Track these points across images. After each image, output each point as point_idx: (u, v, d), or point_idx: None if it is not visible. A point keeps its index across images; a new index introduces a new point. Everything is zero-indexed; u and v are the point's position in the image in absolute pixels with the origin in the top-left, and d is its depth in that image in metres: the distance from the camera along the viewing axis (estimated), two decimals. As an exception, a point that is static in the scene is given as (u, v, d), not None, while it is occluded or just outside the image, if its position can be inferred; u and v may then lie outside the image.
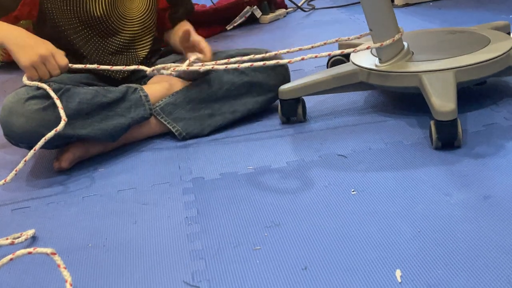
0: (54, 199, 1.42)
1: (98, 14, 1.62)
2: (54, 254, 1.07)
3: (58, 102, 1.46)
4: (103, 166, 1.55)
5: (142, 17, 1.70)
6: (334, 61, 1.89)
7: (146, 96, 1.61)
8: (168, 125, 1.62)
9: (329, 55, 1.58)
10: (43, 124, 1.45)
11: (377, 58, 1.56)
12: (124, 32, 1.68)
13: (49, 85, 1.48)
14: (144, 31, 1.72)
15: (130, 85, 1.62)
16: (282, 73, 1.69)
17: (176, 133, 1.62)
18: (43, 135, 1.43)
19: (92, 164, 1.57)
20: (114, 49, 1.67)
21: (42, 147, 1.45)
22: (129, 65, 1.65)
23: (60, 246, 1.21)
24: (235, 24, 2.75)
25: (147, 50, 1.73)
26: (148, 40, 1.73)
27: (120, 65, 1.66)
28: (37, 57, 1.49)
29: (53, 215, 1.35)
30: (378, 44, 1.50)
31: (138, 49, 1.71)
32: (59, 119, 1.44)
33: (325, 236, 1.11)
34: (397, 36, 1.50)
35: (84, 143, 1.56)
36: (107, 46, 1.66)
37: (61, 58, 1.53)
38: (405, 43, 1.55)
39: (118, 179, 1.47)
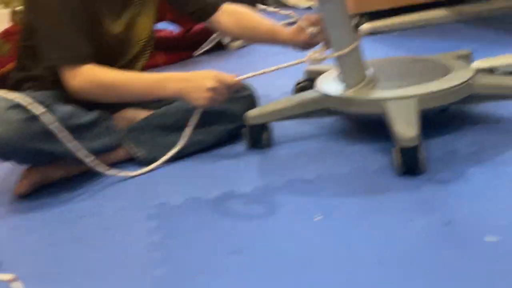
0: (15, 225, 1.39)
1: (116, 33, 1.63)
2: (15, 280, 1.05)
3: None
4: (66, 191, 1.53)
5: (146, 38, 1.72)
6: (300, 87, 1.90)
7: (116, 125, 1.62)
8: (134, 150, 1.62)
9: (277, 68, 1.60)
10: (25, 136, 1.42)
11: (342, 85, 1.57)
12: (128, 54, 1.69)
13: (30, 100, 1.46)
14: (145, 49, 1.73)
15: (102, 111, 1.61)
16: (250, 102, 1.70)
17: (140, 158, 1.61)
18: (25, 147, 1.41)
19: (54, 189, 1.55)
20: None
21: (23, 161, 1.43)
22: None
23: (21, 272, 1.19)
24: (202, 50, 2.76)
25: (143, 65, 1.74)
26: (145, 57, 1.74)
27: None
28: (210, 93, 1.50)
29: (14, 240, 1.32)
30: (340, 52, 1.53)
31: (136, 66, 1.72)
32: (42, 131, 1.42)
33: (289, 262, 1.11)
34: (352, 46, 1.52)
35: (46, 168, 1.54)
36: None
37: (227, 78, 1.53)
38: (369, 70, 1.57)
39: (81, 205, 1.45)
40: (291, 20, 2.97)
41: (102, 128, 1.58)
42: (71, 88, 1.54)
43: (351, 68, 1.56)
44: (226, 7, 1.80)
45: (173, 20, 2.68)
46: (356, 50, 1.55)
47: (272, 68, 1.59)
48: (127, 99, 1.62)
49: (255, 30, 1.80)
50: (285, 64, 1.59)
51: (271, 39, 1.79)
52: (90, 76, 1.53)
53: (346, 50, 1.53)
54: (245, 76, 1.58)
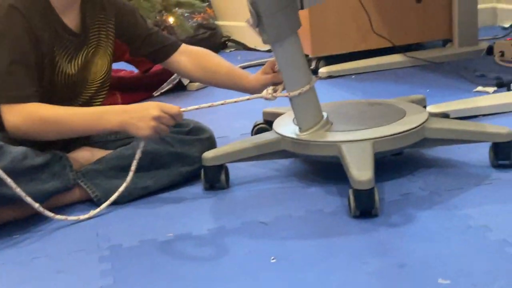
0: (-37, 267, 1.36)
1: (70, 73, 1.61)
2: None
3: None
4: (19, 232, 1.50)
5: (102, 79, 1.71)
6: (258, 129, 1.91)
7: (71, 166, 1.59)
8: (88, 190, 1.59)
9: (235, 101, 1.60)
10: None
11: (298, 127, 1.59)
12: (83, 95, 1.67)
13: None
14: (101, 90, 1.72)
15: (56, 152, 1.59)
16: (209, 146, 1.70)
17: (95, 199, 1.59)
18: None
19: (6, 230, 1.51)
20: None
21: None
22: None
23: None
24: (162, 91, 2.76)
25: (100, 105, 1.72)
26: (102, 97, 1.73)
27: None
28: (154, 122, 1.48)
29: (-39, 283, 1.29)
30: (296, 92, 1.55)
31: (93, 106, 1.70)
32: None
33: (243, 305, 1.10)
34: (307, 86, 1.54)
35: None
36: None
37: (171, 107, 1.51)
38: (324, 113, 1.60)
39: (33, 246, 1.42)
40: (245, 64, 3.02)
41: (57, 169, 1.56)
42: (10, 127, 1.51)
43: (306, 110, 1.58)
44: (185, 48, 1.80)
45: (131, 61, 2.68)
46: (310, 92, 1.57)
47: (219, 102, 1.59)
48: (69, 134, 1.58)
49: (216, 73, 1.80)
50: (232, 100, 1.59)
51: (232, 83, 1.79)
52: (28, 112, 1.51)
53: (298, 91, 1.54)
54: (190, 108, 1.57)
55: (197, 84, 2.86)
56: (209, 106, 1.59)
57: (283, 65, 1.56)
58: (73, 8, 1.60)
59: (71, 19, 1.60)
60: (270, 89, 1.59)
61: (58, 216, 1.50)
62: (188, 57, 1.79)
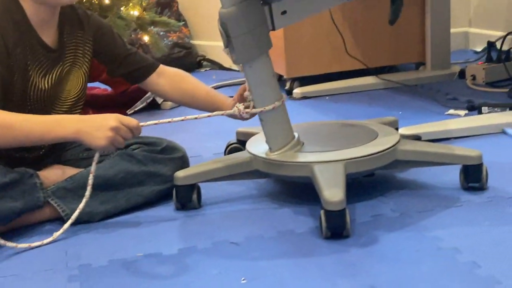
0: None
1: (43, 89, 1.60)
2: None
3: None
4: (-14, 250, 1.48)
5: (76, 96, 1.70)
6: (231, 149, 1.91)
7: (41, 183, 1.57)
8: (58, 208, 1.57)
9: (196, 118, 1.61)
10: None
11: (268, 147, 1.59)
12: (56, 111, 1.66)
13: None
14: (75, 107, 1.70)
15: (27, 169, 1.57)
16: (181, 165, 1.69)
17: (65, 218, 1.57)
18: None
19: (-27, 249, 1.49)
20: None
21: None
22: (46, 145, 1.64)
23: None
24: (136, 109, 2.75)
25: None
26: (75, 114, 1.71)
27: (39, 151, 1.66)
28: (111, 132, 1.45)
29: None
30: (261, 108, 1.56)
31: None
32: None
33: (212, 326, 1.09)
34: (277, 103, 1.55)
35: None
36: None
37: (129, 120, 1.49)
38: (295, 134, 1.60)
39: (0, 265, 1.40)
40: (220, 84, 3.02)
41: (27, 187, 1.54)
42: None
43: (276, 130, 1.58)
44: (163, 69, 1.79)
45: (107, 82, 2.66)
46: (281, 112, 1.57)
47: (180, 118, 1.59)
48: (24, 141, 1.53)
49: (195, 96, 1.79)
50: (192, 116, 1.60)
51: (211, 106, 1.78)
52: None
53: (271, 106, 1.55)
54: (149, 122, 1.56)
55: (170, 103, 2.85)
56: (169, 122, 1.59)
57: (252, 85, 1.56)
58: (50, 24, 1.60)
59: (47, 35, 1.59)
60: (241, 105, 1.59)
61: (21, 245, 1.46)
62: (166, 79, 1.78)
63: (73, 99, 1.69)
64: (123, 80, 1.83)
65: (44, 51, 1.59)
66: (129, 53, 1.76)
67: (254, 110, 1.57)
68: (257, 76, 1.55)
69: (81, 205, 1.53)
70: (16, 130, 1.49)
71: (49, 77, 1.61)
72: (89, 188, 1.53)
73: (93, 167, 1.52)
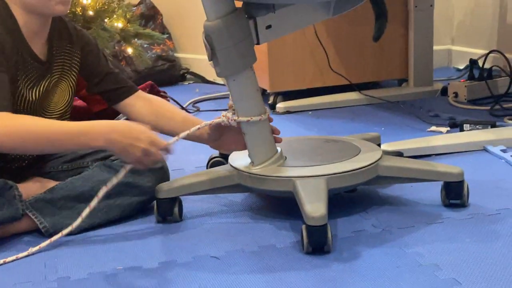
0: None
1: (31, 100, 1.58)
2: None
3: None
4: (-38, 262, 1.46)
5: (62, 109, 1.68)
6: (214, 162, 1.91)
7: (20, 196, 1.55)
8: (36, 220, 1.55)
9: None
10: None
11: (251, 161, 1.58)
12: None
13: None
14: (62, 119, 1.68)
15: (6, 181, 1.55)
16: (161, 176, 1.68)
17: (42, 230, 1.55)
18: None
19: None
20: None
21: None
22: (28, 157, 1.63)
23: None
24: (119, 118, 2.74)
25: None
26: None
27: (21, 163, 1.65)
28: (140, 155, 1.45)
29: None
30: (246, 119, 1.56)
31: None
32: None
33: None
34: (263, 116, 1.55)
35: None
36: None
37: (160, 142, 1.48)
38: (278, 148, 1.60)
39: (-23, 277, 1.38)
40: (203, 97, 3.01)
41: (6, 199, 1.52)
42: None
43: (259, 144, 1.58)
44: (142, 94, 1.78)
45: (85, 98, 2.63)
46: (264, 126, 1.57)
47: (193, 128, 1.58)
48: (50, 150, 1.55)
49: (171, 120, 1.74)
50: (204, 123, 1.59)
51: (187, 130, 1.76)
52: (5, 121, 1.44)
53: (258, 117, 1.54)
54: (173, 139, 1.55)
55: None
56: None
57: (236, 99, 1.56)
58: (40, 35, 1.59)
59: (38, 47, 1.59)
60: (229, 113, 1.58)
61: None
62: (144, 102, 1.76)
63: (60, 112, 1.68)
64: (101, 100, 1.81)
65: (35, 62, 1.58)
66: (110, 72, 1.75)
67: (241, 119, 1.56)
68: (241, 89, 1.55)
69: (78, 221, 1.52)
70: (43, 139, 1.46)
71: (36, 89, 1.60)
72: (95, 200, 1.52)
73: (121, 174, 1.52)
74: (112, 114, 2.63)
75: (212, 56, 1.51)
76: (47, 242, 1.50)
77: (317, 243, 1.38)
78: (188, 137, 1.60)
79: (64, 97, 1.69)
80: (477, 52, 3.08)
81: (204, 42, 1.50)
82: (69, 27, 1.68)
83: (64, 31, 1.66)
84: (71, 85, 1.70)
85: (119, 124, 1.51)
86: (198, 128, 1.59)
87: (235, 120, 1.57)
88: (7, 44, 1.51)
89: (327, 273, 1.30)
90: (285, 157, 1.61)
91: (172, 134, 1.70)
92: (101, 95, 1.76)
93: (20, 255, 1.46)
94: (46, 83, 1.62)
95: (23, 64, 1.55)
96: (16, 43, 1.53)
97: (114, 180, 1.51)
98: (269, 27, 1.55)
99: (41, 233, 1.56)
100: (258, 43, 1.55)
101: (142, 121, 1.69)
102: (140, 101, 1.76)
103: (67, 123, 1.53)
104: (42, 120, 1.52)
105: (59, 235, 1.52)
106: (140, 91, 1.78)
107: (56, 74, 1.65)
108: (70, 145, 1.49)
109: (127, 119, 2.35)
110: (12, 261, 1.44)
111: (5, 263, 1.44)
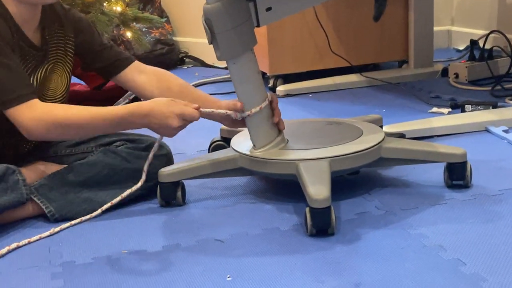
0: None
1: None
2: None
3: None
4: (-34, 248, 1.46)
5: (61, 96, 1.68)
6: (215, 146, 1.90)
7: (24, 180, 1.55)
8: (42, 205, 1.56)
9: None
10: None
11: (253, 145, 1.58)
12: None
13: None
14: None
15: (9, 165, 1.55)
16: (165, 162, 1.67)
17: (48, 214, 1.55)
18: None
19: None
20: None
21: None
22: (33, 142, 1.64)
23: None
24: (119, 106, 2.73)
25: None
26: None
27: (24, 148, 1.66)
28: (176, 131, 1.50)
29: None
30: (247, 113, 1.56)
31: None
32: None
33: (198, 324, 1.09)
34: (264, 104, 1.55)
35: None
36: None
37: (191, 115, 1.50)
38: (280, 131, 1.60)
39: (-18, 262, 1.38)
40: (202, 81, 3.01)
41: (10, 184, 1.52)
42: (27, 129, 1.47)
43: (260, 127, 1.57)
44: (142, 67, 1.73)
45: (81, 76, 2.63)
46: (265, 109, 1.57)
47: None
48: (89, 135, 1.67)
49: (182, 95, 1.65)
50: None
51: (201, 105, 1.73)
52: (45, 114, 1.47)
53: (258, 107, 1.54)
54: (207, 109, 1.58)
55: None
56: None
57: (237, 82, 1.55)
58: (32, 23, 1.57)
59: (31, 33, 1.57)
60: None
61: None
62: (147, 76, 1.71)
63: (59, 99, 1.67)
64: (98, 75, 1.80)
65: (31, 49, 1.57)
66: (104, 47, 1.71)
67: (249, 113, 1.55)
68: (241, 73, 1.55)
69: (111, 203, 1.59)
70: (83, 128, 1.52)
71: (34, 77, 1.59)
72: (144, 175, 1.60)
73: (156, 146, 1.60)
74: (115, 90, 2.63)
75: (212, 39, 1.50)
76: (62, 226, 1.50)
77: (321, 226, 1.38)
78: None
79: (62, 83, 1.68)
80: (477, 32, 3.07)
81: (204, 25, 1.49)
82: (56, 8, 1.64)
83: (53, 14, 1.63)
84: (67, 71, 1.69)
85: (148, 107, 1.50)
86: (212, 111, 1.60)
87: (242, 112, 1.56)
88: (7, 34, 1.50)
89: (330, 255, 1.30)
90: (287, 140, 1.61)
91: None
92: (97, 71, 1.74)
93: (33, 238, 1.46)
94: (43, 71, 1.61)
95: (20, 52, 1.55)
96: (12, 32, 1.52)
97: (151, 155, 1.60)
98: (269, 9, 1.54)
99: (46, 218, 1.56)
100: (258, 26, 1.54)
101: (144, 95, 1.70)
102: (144, 75, 1.71)
103: (104, 113, 1.51)
104: (82, 111, 1.51)
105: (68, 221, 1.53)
106: (137, 62, 1.73)
107: (52, 60, 1.63)
108: (111, 130, 1.61)
109: (134, 98, 2.36)
110: (24, 245, 1.45)
111: (18, 247, 1.44)
